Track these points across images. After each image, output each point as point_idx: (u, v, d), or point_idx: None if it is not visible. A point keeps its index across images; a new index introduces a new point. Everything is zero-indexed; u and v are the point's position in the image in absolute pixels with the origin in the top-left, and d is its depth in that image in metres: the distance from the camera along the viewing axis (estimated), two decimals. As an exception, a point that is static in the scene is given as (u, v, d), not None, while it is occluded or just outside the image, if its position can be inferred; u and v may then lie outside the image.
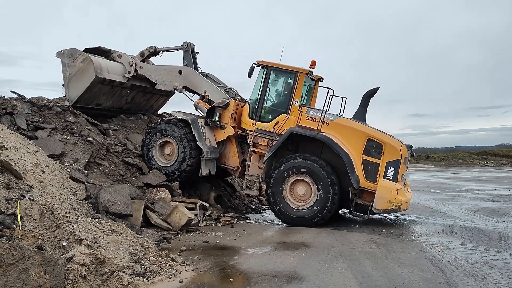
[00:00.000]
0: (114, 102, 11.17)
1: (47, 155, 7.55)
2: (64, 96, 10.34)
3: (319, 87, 9.86)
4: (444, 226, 8.78)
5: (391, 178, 8.41)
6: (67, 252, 4.54)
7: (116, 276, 4.37)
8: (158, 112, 13.06)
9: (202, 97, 9.95)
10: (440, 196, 14.17)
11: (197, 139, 9.21)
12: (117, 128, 10.68)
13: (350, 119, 9.01)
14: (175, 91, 10.75)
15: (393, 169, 8.41)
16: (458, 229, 8.30)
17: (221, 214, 9.43)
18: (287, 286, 4.71)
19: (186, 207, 8.51)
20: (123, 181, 8.56)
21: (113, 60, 10.92)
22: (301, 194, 8.64)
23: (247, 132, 9.38)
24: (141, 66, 10.78)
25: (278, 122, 9.07)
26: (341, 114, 9.16)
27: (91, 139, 8.86)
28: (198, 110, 10.16)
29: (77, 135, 8.85)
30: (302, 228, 8.35)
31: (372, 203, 8.34)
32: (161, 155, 9.69)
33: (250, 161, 9.39)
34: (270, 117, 9.28)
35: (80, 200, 6.73)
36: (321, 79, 9.94)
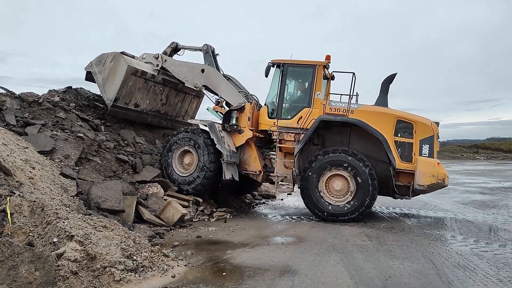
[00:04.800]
0: (151, 102, 11.14)
1: (37, 152, 7.48)
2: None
3: (333, 79, 9.92)
4: (434, 219, 8.87)
5: (427, 155, 8.46)
6: (58, 249, 4.51)
7: (107, 272, 4.35)
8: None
9: (217, 102, 9.88)
10: (432, 189, 14.25)
11: (215, 142, 8.99)
12: (109, 124, 10.60)
13: (373, 105, 9.04)
14: (195, 88, 10.71)
15: (428, 146, 8.49)
16: (449, 222, 8.39)
17: (214, 209, 9.43)
18: (279, 280, 4.73)
19: (179, 203, 8.50)
20: (115, 177, 8.51)
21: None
22: (338, 189, 8.49)
23: (271, 130, 9.23)
24: (166, 60, 10.87)
25: (301, 116, 9.01)
26: (352, 92, 8.93)
27: (82, 135, 8.78)
28: (210, 114, 10.18)
29: (67, 131, 8.77)
30: (296, 222, 8.40)
31: (413, 183, 8.30)
32: (180, 164, 9.51)
33: (276, 160, 9.33)
34: (292, 113, 9.21)
35: (71, 196, 6.68)
36: (333, 77, 9.94)
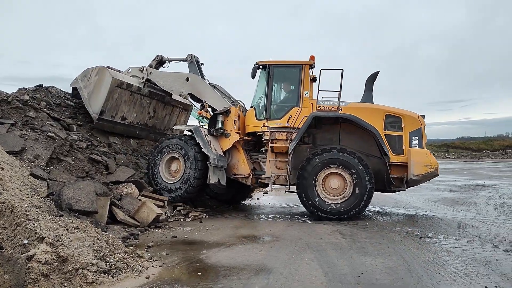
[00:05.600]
0: (138, 116, 11.10)
1: (6, 152, 7.26)
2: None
3: (320, 80, 9.98)
4: (406, 216, 9.09)
5: (417, 147, 8.76)
6: (28, 251, 4.40)
7: (80, 274, 4.27)
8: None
9: (202, 107, 9.75)
10: (404, 187, 14.59)
11: (201, 146, 8.88)
12: (81, 124, 10.38)
13: (361, 102, 9.22)
14: (181, 97, 10.76)
15: (417, 138, 8.78)
16: (420, 219, 8.62)
17: (190, 209, 9.38)
18: (255, 278, 4.76)
19: (154, 203, 8.41)
20: (88, 178, 8.35)
21: None
22: (335, 188, 8.54)
23: (262, 131, 9.21)
24: (151, 72, 10.93)
25: (291, 116, 9.07)
26: (340, 88, 9.01)
27: (53, 134, 8.57)
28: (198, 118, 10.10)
29: (38, 130, 8.54)
30: (271, 221, 8.45)
31: (406, 174, 8.56)
32: (167, 172, 9.38)
33: (266, 163, 9.32)
34: (281, 113, 9.23)
35: (41, 197, 6.50)
36: (314, 79, 9.97)
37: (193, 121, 13.94)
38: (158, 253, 5.81)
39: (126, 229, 7.20)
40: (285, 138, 9.07)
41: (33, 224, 4.76)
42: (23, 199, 5.85)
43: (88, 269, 4.36)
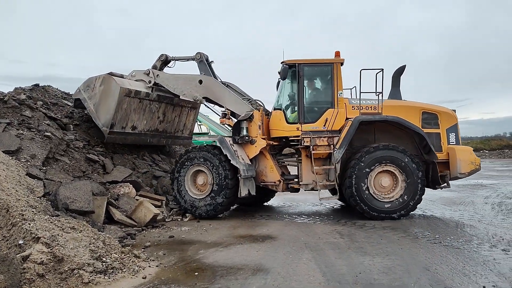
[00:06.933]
0: (148, 122, 10.42)
1: (2, 151, 7.22)
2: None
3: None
4: (405, 218, 9.06)
5: (454, 143, 8.73)
6: (23, 251, 4.37)
7: (75, 274, 4.24)
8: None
9: (224, 115, 9.28)
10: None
11: (230, 158, 8.43)
12: (78, 123, 10.33)
13: (395, 100, 9.05)
14: (195, 101, 10.06)
15: (454, 134, 8.78)
16: (418, 218, 8.60)
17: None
18: (252, 278, 4.73)
19: (151, 203, 8.39)
20: (85, 178, 8.31)
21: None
22: (385, 186, 8.33)
23: (301, 136, 8.69)
24: (158, 75, 10.18)
25: (327, 118, 8.69)
26: (382, 88, 8.79)
27: (49, 134, 8.53)
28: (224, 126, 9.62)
29: (34, 130, 8.50)
30: (269, 221, 8.42)
31: (449, 171, 8.55)
32: (193, 186, 8.92)
33: (302, 168, 8.91)
34: (316, 116, 8.83)
35: (37, 197, 6.48)
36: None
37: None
38: (155, 253, 5.78)
39: (123, 229, 7.17)
40: (327, 144, 8.65)
41: (29, 224, 4.73)
42: (19, 199, 5.82)
43: (84, 269, 4.33)
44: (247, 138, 8.82)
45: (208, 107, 10.14)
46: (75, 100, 10.24)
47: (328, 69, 8.85)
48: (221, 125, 9.45)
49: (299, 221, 8.47)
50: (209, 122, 21.89)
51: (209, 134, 20.66)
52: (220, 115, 9.60)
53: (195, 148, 9.03)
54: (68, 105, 10.86)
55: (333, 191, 9.53)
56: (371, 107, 8.78)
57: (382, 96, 8.67)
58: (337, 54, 8.89)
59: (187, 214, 8.83)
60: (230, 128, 9.44)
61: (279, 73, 9.78)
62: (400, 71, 9.29)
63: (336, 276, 4.78)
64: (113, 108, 9.38)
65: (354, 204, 8.34)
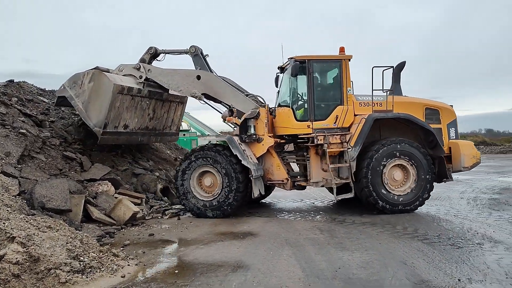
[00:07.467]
0: (139, 120, 9.89)
1: (-26, 149, 7.01)
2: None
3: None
4: (384, 213, 9.20)
5: (454, 138, 8.97)
6: (-3, 251, 4.26)
7: (52, 274, 4.17)
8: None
9: (231, 112, 8.90)
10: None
11: (240, 158, 8.16)
12: (54, 120, 10.11)
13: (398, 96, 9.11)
14: (194, 98, 9.39)
15: (454, 129, 9.02)
16: (396, 214, 8.74)
17: (168, 207, 9.29)
18: (232, 275, 4.74)
19: (131, 201, 8.29)
20: (61, 176, 8.15)
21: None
22: (398, 180, 8.47)
23: (317, 134, 8.54)
24: (149, 69, 9.58)
25: (337, 115, 8.66)
26: (392, 85, 9.06)
27: (24, 131, 8.32)
28: (226, 123, 9.13)
29: (9, 127, 8.27)
30: (250, 218, 8.43)
31: (451, 165, 8.83)
32: (199, 187, 8.63)
33: (311, 166, 8.79)
34: (326, 113, 8.76)
35: (12, 196, 6.33)
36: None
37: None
38: (134, 252, 5.72)
39: (102, 227, 7.08)
40: (339, 141, 8.59)
41: (3, 223, 4.63)
42: (-7, 198, 5.68)
43: (61, 269, 4.26)
44: (254, 136, 8.65)
45: (208, 104, 9.66)
46: (58, 98, 9.58)
47: (337, 66, 8.84)
48: (227, 123, 9.01)
49: (280, 217, 8.51)
50: (190, 119, 21.77)
51: (190, 131, 20.54)
52: (223, 112, 9.23)
53: (201, 148, 8.73)
54: (44, 102, 10.62)
55: (338, 189, 9.19)
56: (378, 103, 8.87)
57: (393, 93, 8.87)
58: (342, 50, 8.84)
59: (167, 212, 8.76)
60: (232, 126, 9.18)
61: (279, 68, 9.79)
62: (400, 67, 9.39)
63: (316, 272, 4.83)
64: (106, 106, 8.76)
65: (369, 197, 8.38)
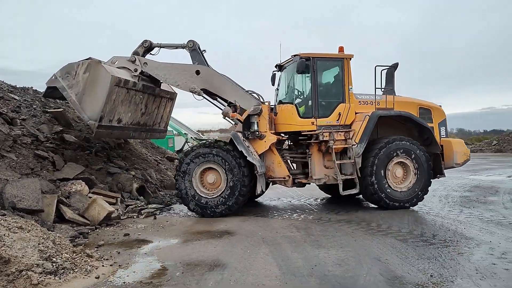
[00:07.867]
0: (132, 115, 9.65)
1: None
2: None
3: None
4: (357, 209, 9.35)
5: (445, 136, 9.43)
6: (-35, 254, 4.12)
7: (24, 276, 4.06)
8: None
9: (235, 108, 8.77)
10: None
11: (245, 154, 8.11)
12: (26, 118, 9.82)
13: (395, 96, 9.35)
14: (192, 93, 9.13)
15: (444, 128, 9.48)
16: (370, 212, 8.89)
17: (144, 206, 9.17)
18: (209, 274, 4.73)
19: (106, 200, 8.15)
20: (33, 175, 7.93)
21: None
22: (399, 176, 8.77)
23: (323, 129, 8.66)
24: (145, 62, 9.35)
25: (340, 113, 8.85)
26: (394, 83, 9.41)
27: (-6, 129, 8.06)
28: (226, 119, 8.96)
29: (-23, 125, 8.00)
30: (227, 217, 8.41)
31: (444, 163, 9.26)
32: (201, 184, 8.51)
33: (313, 163, 8.87)
34: (329, 110, 8.90)
35: (-19, 196, 6.12)
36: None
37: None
38: (109, 252, 5.64)
39: (75, 228, 6.93)
40: (343, 138, 8.79)
41: (-29, 224, 4.46)
42: (-40, 198, 5.48)
43: (33, 270, 4.15)
44: (257, 133, 8.64)
45: (208, 100, 9.47)
46: (48, 89, 9.12)
47: (339, 64, 9.00)
48: (228, 119, 8.84)
49: (257, 216, 8.53)
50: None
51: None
52: (223, 108, 8.99)
53: (204, 145, 8.62)
54: (15, 99, 10.30)
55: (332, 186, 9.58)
56: (377, 102, 9.10)
57: (394, 92, 9.21)
58: (341, 49, 9.01)
59: (143, 211, 8.65)
60: (233, 123, 9.12)
61: (276, 66, 9.86)
62: (394, 67, 9.60)
63: (292, 269, 4.88)
64: (103, 99, 8.44)
65: (373, 194, 8.64)
